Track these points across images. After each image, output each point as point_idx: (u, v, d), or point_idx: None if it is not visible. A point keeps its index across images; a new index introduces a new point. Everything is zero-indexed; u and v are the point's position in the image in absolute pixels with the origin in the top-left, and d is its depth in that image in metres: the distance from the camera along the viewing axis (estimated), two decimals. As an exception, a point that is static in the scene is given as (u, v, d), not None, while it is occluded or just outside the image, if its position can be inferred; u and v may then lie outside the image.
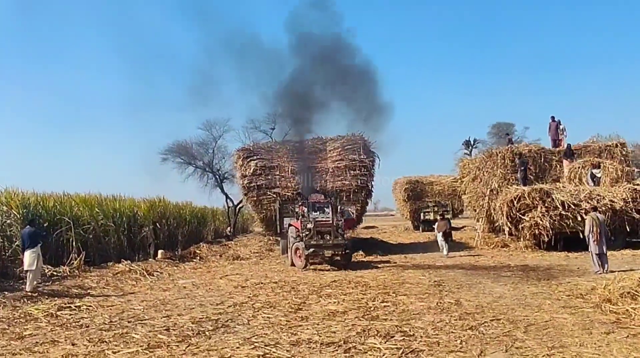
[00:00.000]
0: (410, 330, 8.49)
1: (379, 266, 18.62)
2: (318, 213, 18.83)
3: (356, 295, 12.40)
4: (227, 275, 17.88)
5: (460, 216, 50.79)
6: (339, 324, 9.22)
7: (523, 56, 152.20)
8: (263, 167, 24.20)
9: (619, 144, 27.35)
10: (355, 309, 10.62)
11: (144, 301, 12.69)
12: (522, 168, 25.34)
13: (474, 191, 30.69)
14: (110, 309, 11.71)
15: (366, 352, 7.35)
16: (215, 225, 43.83)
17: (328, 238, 17.81)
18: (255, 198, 24.13)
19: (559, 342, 7.54)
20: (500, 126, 73.77)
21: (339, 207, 19.33)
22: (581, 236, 22.02)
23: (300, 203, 19.75)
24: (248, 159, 24.51)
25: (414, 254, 22.75)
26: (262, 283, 15.21)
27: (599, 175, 25.08)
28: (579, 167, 25.94)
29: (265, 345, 7.81)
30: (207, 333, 8.91)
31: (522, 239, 23.63)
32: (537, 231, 22.43)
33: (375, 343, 7.72)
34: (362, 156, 23.78)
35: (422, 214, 47.15)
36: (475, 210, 31.92)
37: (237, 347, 7.82)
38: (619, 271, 14.86)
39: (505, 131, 71.99)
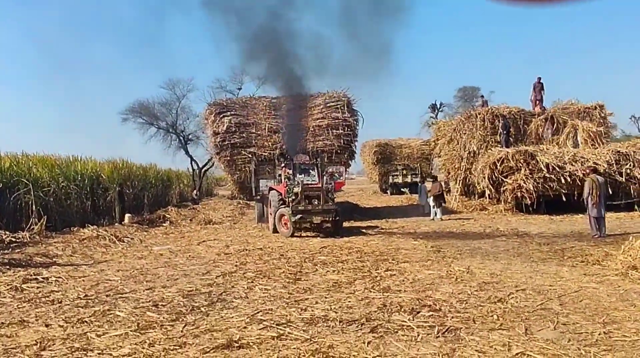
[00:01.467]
0: (434, 304, 7.58)
1: (365, 231, 17.73)
2: (303, 175, 17.59)
3: (354, 263, 11.47)
4: (204, 241, 16.72)
5: (428, 179, 50.51)
6: (349, 297, 8.25)
7: (487, 19, 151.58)
8: (238, 124, 22.17)
9: (597, 107, 27.09)
10: (360, 279, 9.68)
11: (120, 271, 11.45)
12: (505, 131, 24.77)
13: (450, 153, 30.16)
14: (83, 280, 10.45)
15: (397, 331, 6.40)
16: (180, 188, 42.26)
17: (316, 203, 16.40)
18: (228, 158, 22.16)
19: (608, 317, 6.76)
20: (467, 89, 73.64)
21: (329, 169, 18.14)
22: (564, 198, 21.88)
23: (283, 165, 18.42)
24: (221, 115, 22.45)
25: (394, 218, 21.89)
26: (246, 249, 14.11)
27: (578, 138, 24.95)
28: (561, 130, 25.74)
29: (277, 325, 6.78)
30: (202, 309, 7.81)
31: (502, 202, 23.20)
32: (519, 194, 21.97)
33: (403, 321, 6.78)
34: (345, 114, 22.21)
35: (390, 177, 46.73)
36: (449, 173, 31.54)
37: (244, 327, 6.76)
38: (614, 234, 14.53)
39: (471, 94, 72.36)
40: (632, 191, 21.70)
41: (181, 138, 47.08)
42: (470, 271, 10.02)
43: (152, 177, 31.84)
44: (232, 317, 7.28)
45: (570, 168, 21.45)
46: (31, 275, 10.56)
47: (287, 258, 12.43)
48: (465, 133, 27.84)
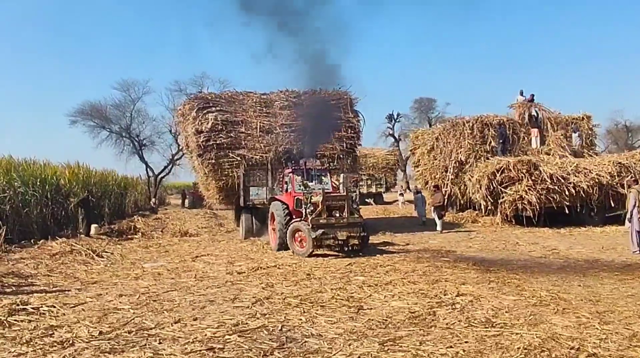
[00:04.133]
0: (581, 346, 5.95)
1: (375, 247, 15.83)
2: (314, 182, 15.56)
3: (405, 285, 9.71)
4: (197, 256, 14.60)
5: (392, 190, 49.71)
6: (454, 335, 6.50)
7: (444, 32, 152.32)
8: (224, 121, 19.25)
9: (585, 118, 26.67)
10: (437, 307, 7.95)
11: (123, 296, 9.26)
12: (501, 139, 23.78)
13: (430, 163, 28.99)
14: (84, 310, 8.23)
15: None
16: (135, 196, 39.40)
17: (339, 215, 13.81)
18: (213, 161, 19.03)
19: None
20: (423, 101, 73.47)
21: (341, 174, 16.06)
22: (567, 211, 20.99)
23: (290, 170, 16.12)
24: (204, 111, 19.42)
25: (390, 232, 19.91)
26: (260, 268, 12.08)
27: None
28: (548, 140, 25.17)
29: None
30: (277, 354, 5.90)
31: (499, 213, 22.07)
32: (520, 206, 20.91)
33: (574, 373, 5.13)
34: (348, 115, 19.90)
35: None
36: (427, 183, 30.31)
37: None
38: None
39: (427, 105, 72.41)
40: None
41: (136, 142, 44.34)
42: (560, 297, 8.47)
43: (112, 184, 29.07)
44: (330, 369, 5.41)
45: (574, 179, 20.60)
46: (17, 304, 8.21)
47: (317, 279, 10.57)
48: (450, 142, 26.70)
